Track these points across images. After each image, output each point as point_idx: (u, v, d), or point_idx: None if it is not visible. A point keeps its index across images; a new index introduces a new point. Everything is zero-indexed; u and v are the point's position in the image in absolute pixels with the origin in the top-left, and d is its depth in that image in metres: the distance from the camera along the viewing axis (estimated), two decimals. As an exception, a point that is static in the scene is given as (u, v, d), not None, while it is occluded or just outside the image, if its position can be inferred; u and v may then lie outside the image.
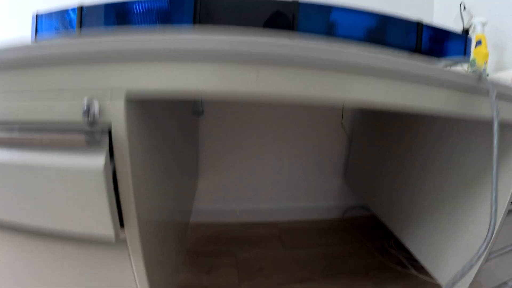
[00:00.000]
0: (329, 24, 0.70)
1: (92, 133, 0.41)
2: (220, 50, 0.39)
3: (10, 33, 1.17)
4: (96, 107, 0.41)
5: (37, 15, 0.81)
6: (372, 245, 1.07)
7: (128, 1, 0.73)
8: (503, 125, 0.61)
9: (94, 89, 0.41)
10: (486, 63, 0.92)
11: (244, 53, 0.39)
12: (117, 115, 0.41)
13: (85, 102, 0.40)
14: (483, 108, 0.53)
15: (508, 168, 0.64)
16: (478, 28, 0.94)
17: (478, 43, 0.93)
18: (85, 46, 0.40)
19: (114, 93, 0.41)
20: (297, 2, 0.68)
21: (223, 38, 0.38)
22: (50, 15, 0.80)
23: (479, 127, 0.70)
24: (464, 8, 1.08)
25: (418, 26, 0.73)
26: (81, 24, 0.76)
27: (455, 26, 1.11)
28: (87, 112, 0.40)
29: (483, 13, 1.04)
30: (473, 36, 0.97)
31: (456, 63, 0.58)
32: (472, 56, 0.94)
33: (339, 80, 0.43)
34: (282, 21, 0.68)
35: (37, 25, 0.81)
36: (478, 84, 0.50)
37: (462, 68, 0.89)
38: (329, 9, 0.69)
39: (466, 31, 1.08)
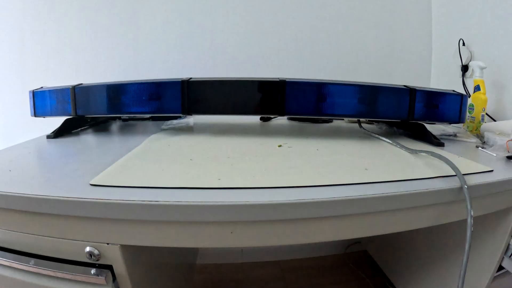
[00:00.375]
0: (318, 101, 0.69)
1: (96, 271, 0.47)
2: (198, 220, 0.42)
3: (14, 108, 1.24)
4: (96, 253, 0.46)
5: (33, 92, 0.83)
6: (373, 283, 1.10)
7: (120, 83, 0.74)
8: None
9: (92, 241, 0.46)
10: (484, 109, 0.90)
11: (217, 220, 0.43)
12: (115, 258, 0.46)
13: (87, 249, 0.46)
14: (462, 211, 0.53)
15: (494, 240, 0.65)
16: (477, 73, 0.92)
17: (477, 88, 0.92)
18: (81, 209, 0.43)
19: (111, 244, 0.45)
20: (285, 81, 0.68)
21: (199, 210, 0.42)
22: (47, 93, 0.82)
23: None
24: (464, 43, 1.04)
25: (411, 93, 0.72)
26: (75, 103, 0.78)
27: (454, 61, 1.08)
28: (90, 255, 0.46)
29: (483, 49, 1.01)
30: (472, 80, 0.95)
31: (438, 156, 0.57)
32: (470, 101, 0.92)
33: (314, 227, 0.45)
34: (270, 102, 0.69)
35: (35, 102, 0.83)
36: (459, 196, 0.50)
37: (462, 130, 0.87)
38: (317, 85, 0.69)
39: (465, 67, 1.06)
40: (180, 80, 0.68)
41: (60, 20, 1.20)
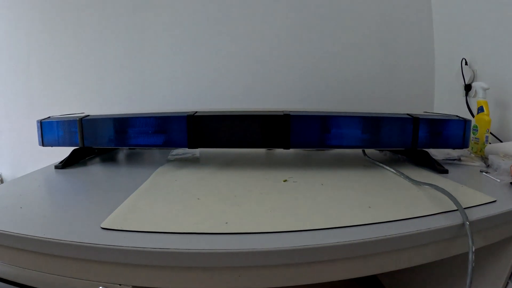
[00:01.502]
0: (322, 134, 0.70)
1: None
2: (207, 265, 0.43)
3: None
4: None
5: (41, 122, 0.85)
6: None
7: (127, 117, 0.75)
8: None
9: (105, 281, 0.46)
10: (488, 130, 0.90)
11: (225, 266, 0.44)
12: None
13: (100, 288, 0.47)
14: (464, 244, 0.53)
15: (499, 264, 0.65)
16: (480, 94, 0.92)
17: (480, 109, 0.92)
18: (93, 254, 0.44)
19: (123, 285, 0.46)
20: (289, 115, 0.68)
21: (208, 257, 0.42)
22: (54, 124, 0.83)
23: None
24: (466, 63, 1.04)
25: (414, 122, 0.72)
26: (83, 134, 0.79)
27: (457, 81, 1.08)
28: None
29: (485, 68, 1.01)
30: (475, 100, 0.95)
31: (441, 190, 0.58)
32: (473, 122, 0.92)
33: (319, 269, 0.46)
34: (274, 135, 0.69)
35: (43, 132, 0.85)
36: (461, 232, 0.50)
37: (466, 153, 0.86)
38: (321, 118, 0.69)
39: (468, 86, 1.06)
40: (186, 114, 0.69)
41: (66, 50, 1.22)
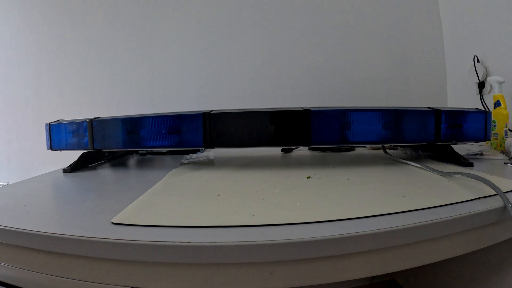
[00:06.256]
0: (343, 129, 0.67)
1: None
2: (235, 261, 0.39)
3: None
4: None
5: (50, 125, 0.82)
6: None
7: (140, 117, 0.72)
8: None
9: (115, 284, 0.42)
10: (506, 124, 0.88)
11: (256, 261, 0.40)
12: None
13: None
14: (504, 231, 0.50)
15: None
16: (496, 88, 0.90)
17: (497, 103, 0.90)
18: (103, 251, 0.40)
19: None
20: (309, 110, 0.66)
21: (236, 251, 0.39)
22: (63, 126, 0.81)
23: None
24: (478, 60, 1.04)
25: (436, 115, 0.70)
26: (93, 137, 0.76)
27: (470, 79, 1.07)
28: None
29: (498, 64, 1.00)
30: (489, 96, 0.93)
31: (472, 176, 0.55)
32: (491, 118, 0.90)
33: (359, 262, 0.42)
34: (294, 132, 0.67)
35: (51, 135, 0.82)
36: (502, 216, 0.47)
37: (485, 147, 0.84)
38: (342, 113, 0.67)
39: (481, 84, 1.05)
40: (201, 112, 0.67)
41: (76, 53, 1.21)
